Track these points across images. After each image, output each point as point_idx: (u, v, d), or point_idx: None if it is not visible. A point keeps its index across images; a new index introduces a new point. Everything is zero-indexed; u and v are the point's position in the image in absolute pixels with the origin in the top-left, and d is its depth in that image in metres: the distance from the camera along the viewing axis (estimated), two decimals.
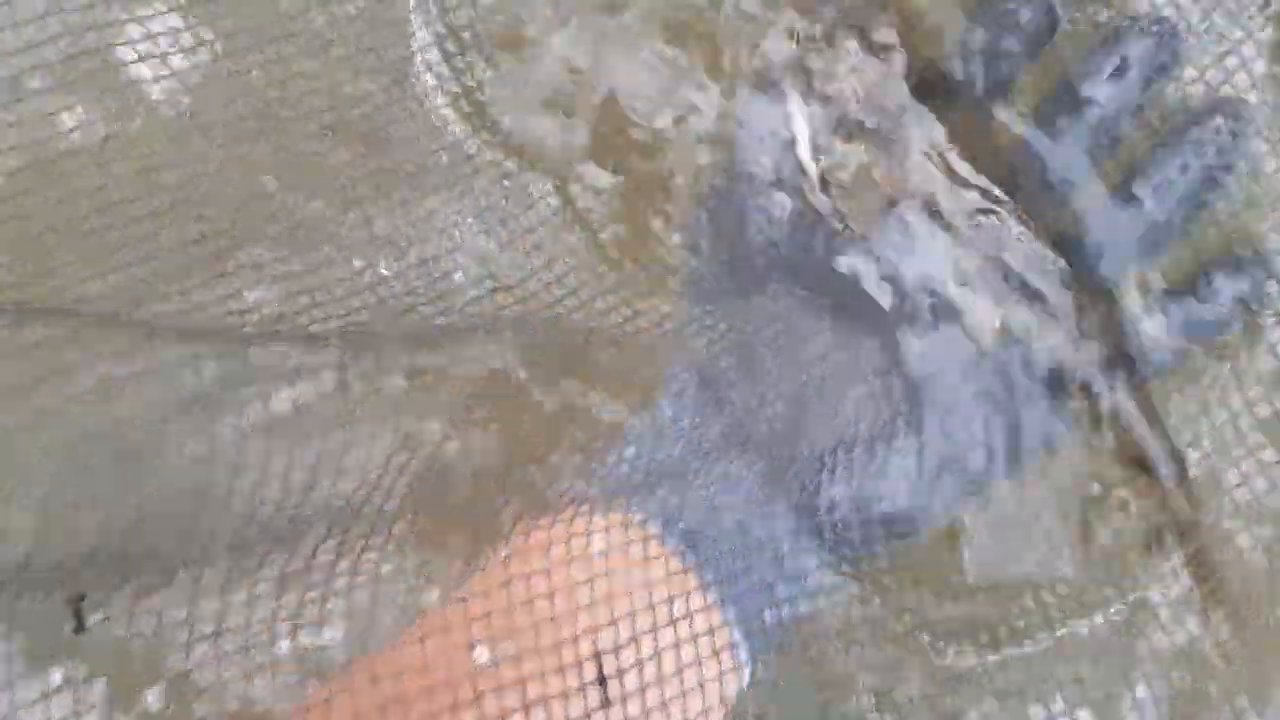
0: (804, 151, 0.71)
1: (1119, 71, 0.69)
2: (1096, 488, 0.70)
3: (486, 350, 0.70)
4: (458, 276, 0.73)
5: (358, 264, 0.73)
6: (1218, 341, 0.69)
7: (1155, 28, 0.69)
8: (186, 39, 0.71)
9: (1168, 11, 0.69)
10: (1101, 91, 0.69)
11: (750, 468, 0.66)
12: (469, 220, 0.74)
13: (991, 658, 0.69)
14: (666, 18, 0.74)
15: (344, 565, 0.64)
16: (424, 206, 0.73)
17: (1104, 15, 0.70)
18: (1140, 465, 0.68)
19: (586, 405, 0.67)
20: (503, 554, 0.61)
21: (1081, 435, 0.70)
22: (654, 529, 0.61)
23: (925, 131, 0.69)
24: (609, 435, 0.66)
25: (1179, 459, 0.68)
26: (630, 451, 0.65)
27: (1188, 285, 0.69)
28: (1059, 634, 0.69)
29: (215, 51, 0.71)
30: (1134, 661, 0.68)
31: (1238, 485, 0.68)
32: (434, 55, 0.74)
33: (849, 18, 0.71)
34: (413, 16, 0.74)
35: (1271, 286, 0.69)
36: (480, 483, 0.66)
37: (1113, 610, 0.69)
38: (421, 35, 0.74)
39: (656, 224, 0.73)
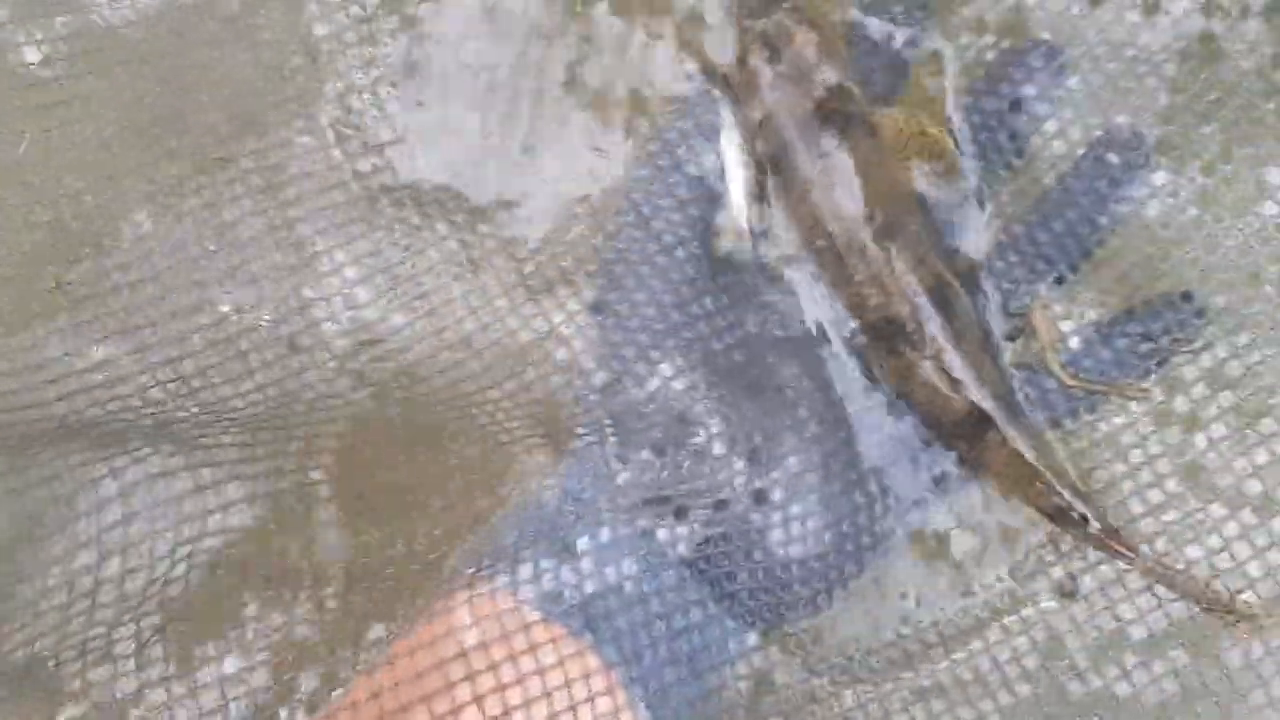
0: (735, 195, 0.71)
1: (1013, 102, 0.69)
2: (1007, 532, 0.69)
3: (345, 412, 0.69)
4: (327, 326, 0.71)
5: (225, 308, 0.70)
6: (1131, 384, 0.68)
7: (1047, 58, 0.69)
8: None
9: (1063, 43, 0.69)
10: (1000, 121, 0.69)
11: (655, 540, 0.65)
12: (350, 270, 0.72)
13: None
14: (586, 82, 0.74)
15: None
16: (310, 249, 0.72)
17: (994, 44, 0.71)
18: (1051, 509, 0.67)
19: (465, 482, 0.66)
20: (389, 654, 0.60)
21: (990, 483, 0.69)
22: (549, 610, 0.60)
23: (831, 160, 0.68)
24: (494, 513, 0.65)
25: (1092, 502, 0.66)
26: (518, 530, 0.64)
27: (1101, 327, 0.69)
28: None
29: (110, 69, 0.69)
30: None
31: (1157, 533, 0.67)
32: (337, 107, 0.73)
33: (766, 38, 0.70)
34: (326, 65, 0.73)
35: (1183, 328, 0.68)
36: (356, 578, 0.65)
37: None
38: (330, 86, 0.73)
39: (561, 290, 0.71)
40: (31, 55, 0.67)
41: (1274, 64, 0.65)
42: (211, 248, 0.70)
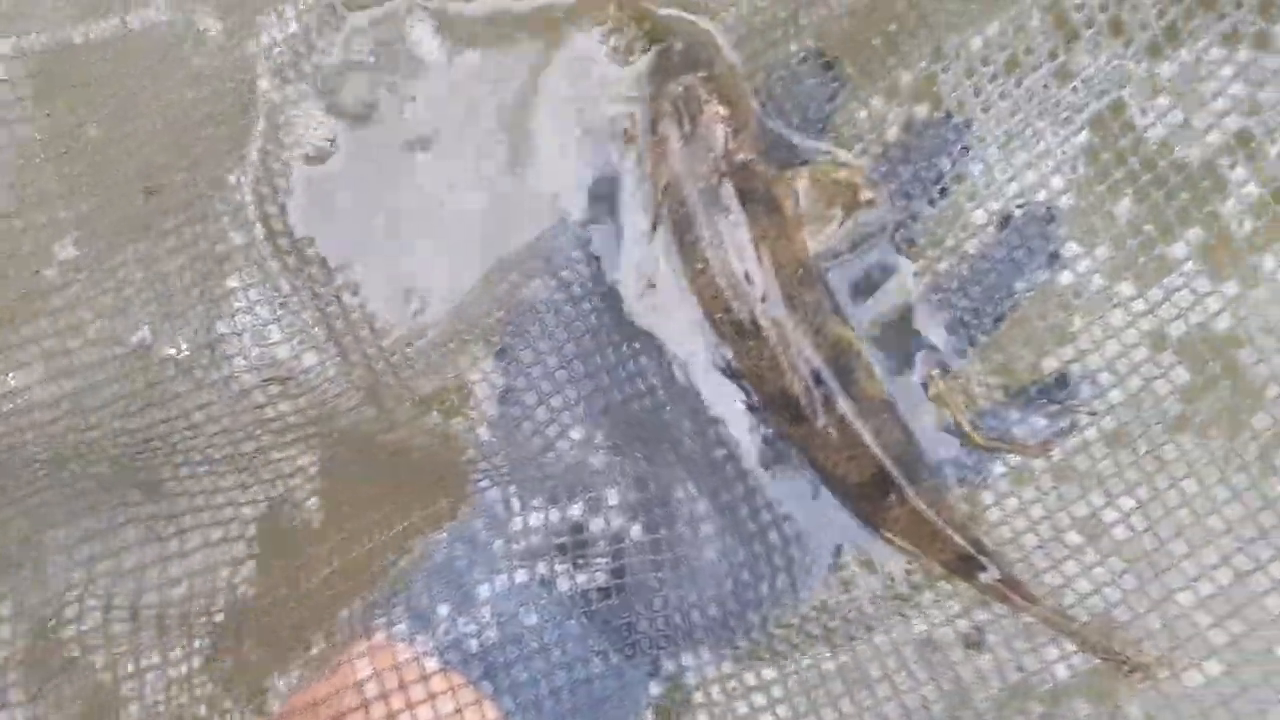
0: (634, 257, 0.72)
1: (929, 173, 0.71)
2: (912, 589, 0.71)
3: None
4: (238, 361, 0.72)
5: (136, 339, 0.71)
6: (1036, 445, 0.70)
7: (959, 131, 0.70)
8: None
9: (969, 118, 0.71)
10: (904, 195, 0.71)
11: (555, 589, 0.64)
12: (260, 307, 0.73)
13: None
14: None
15: None
16: (224, 285, 0.73)
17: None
18: (953, 563, 0.68)
19: (364, 530, 0.67)
20: (288, 706, 0.61)
21: (893, 539, 0.70)
22: (449, 660, 0.60)
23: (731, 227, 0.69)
24: (394, 561, 0.65)
25: (992, 556, 0.68)
26: (417, 578, 0.64)
27: (1009, 390, 0.70)
28: None
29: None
30: None
31: (1059, 586, 0.68)
32: (255, 159, 0.74)
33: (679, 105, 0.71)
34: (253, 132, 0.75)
35: (1086, 390, 0.69)
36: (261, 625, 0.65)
37: None
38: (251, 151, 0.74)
39: (462, 360, 0.72)
40: None
41: (1179, 138, 0.66)
42: (136, 276, 0.71)
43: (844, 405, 0.67)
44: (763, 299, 0.68)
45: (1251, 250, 0.65)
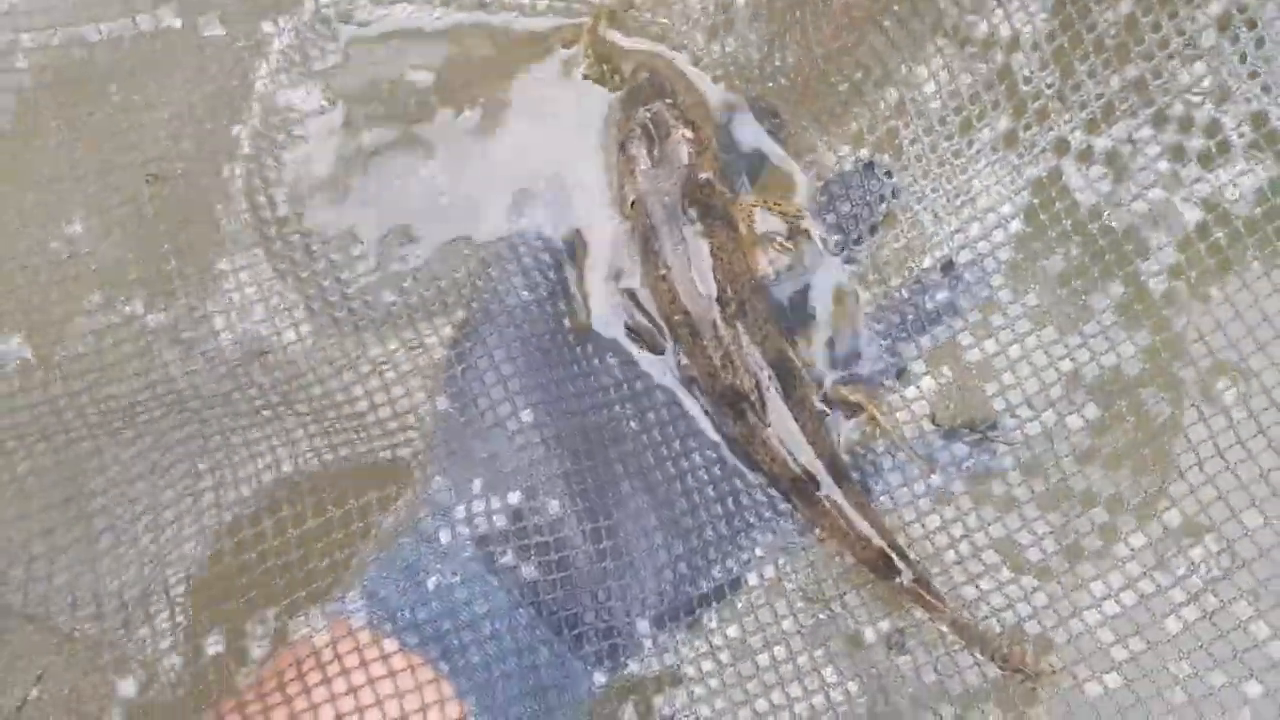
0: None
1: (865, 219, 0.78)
2: (839, 590, 0.75)
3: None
4: (224, 336, 0.75)
5: (129, 309, 0.74)
6: (955, 470, 0.76)
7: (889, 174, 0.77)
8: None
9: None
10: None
11: (504, 580, 0.67)
12: (249, 288, 0.76)
13: None
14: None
15: None
16: (217, 266, 0.76)
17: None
18: (872, 562, 0.72)
19: (323, 517, 0.69)
20: (254, 676, 0.63)
21: (822, 536, 0.75)
22: (407, 641, 0.62)
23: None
24: (353, 547, 0.68)
25: (907, 556, 0.72)
26: (376, 565, 0.66)
27: (933, 420, 0.77)
28: None
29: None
30: None
31: (977, 598, 0.74)
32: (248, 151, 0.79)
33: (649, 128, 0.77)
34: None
35: (1007, 422, 0.75)
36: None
37: None
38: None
39: (425, 326, 0.77)
40: (20, 62, 0.71)
41: (1109, 201, 0.73)
42: (129, 255, 0.74)
43: (784, 406, 0.74)
44: (718, 302, 0.74)
45: (1165, 305, 0.72)
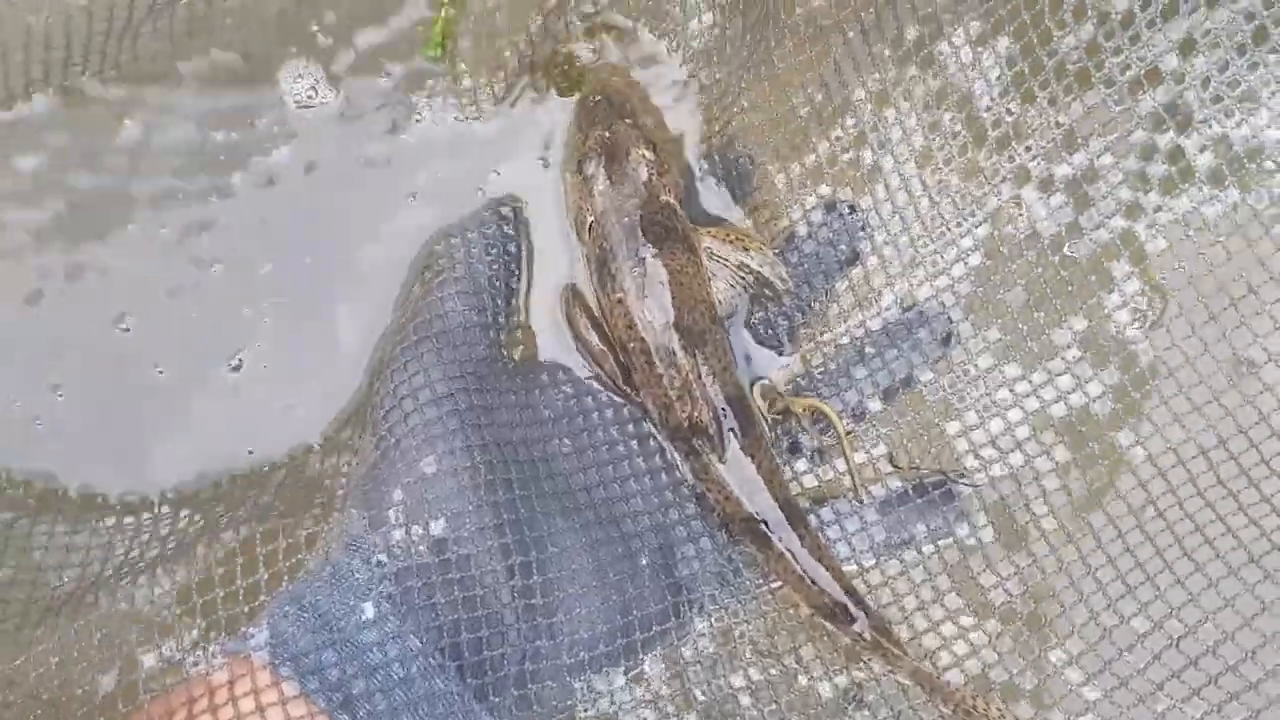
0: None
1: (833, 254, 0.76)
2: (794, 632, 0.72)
3: None
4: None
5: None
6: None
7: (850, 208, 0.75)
8: None
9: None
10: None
11: (418, 627, 0.63)
12: None
13: None
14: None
15: None
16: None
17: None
18: (827, 610, 0.70)
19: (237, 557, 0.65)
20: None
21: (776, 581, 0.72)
22: (308, 686, 0.58)
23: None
24: (262, 585, 0.64)
25: (865, 604, 0.70)
26: (284, 604, 0.61)
27: (891, 460, 0.74)
28: None
29: None
30: None
31: (939, 647, 0.71)
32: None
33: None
34: None
35: (970, 462, 0.73)
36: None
37: None
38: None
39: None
40: None
41: (1069, 233, 0.71)
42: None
43: (739, 444, 0.70)
44: (676, 329, 0.70)
45: (1132, 340, 0.70)
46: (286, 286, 0.77)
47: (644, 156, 0.73)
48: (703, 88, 0.79)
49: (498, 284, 0.74)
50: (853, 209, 0.75)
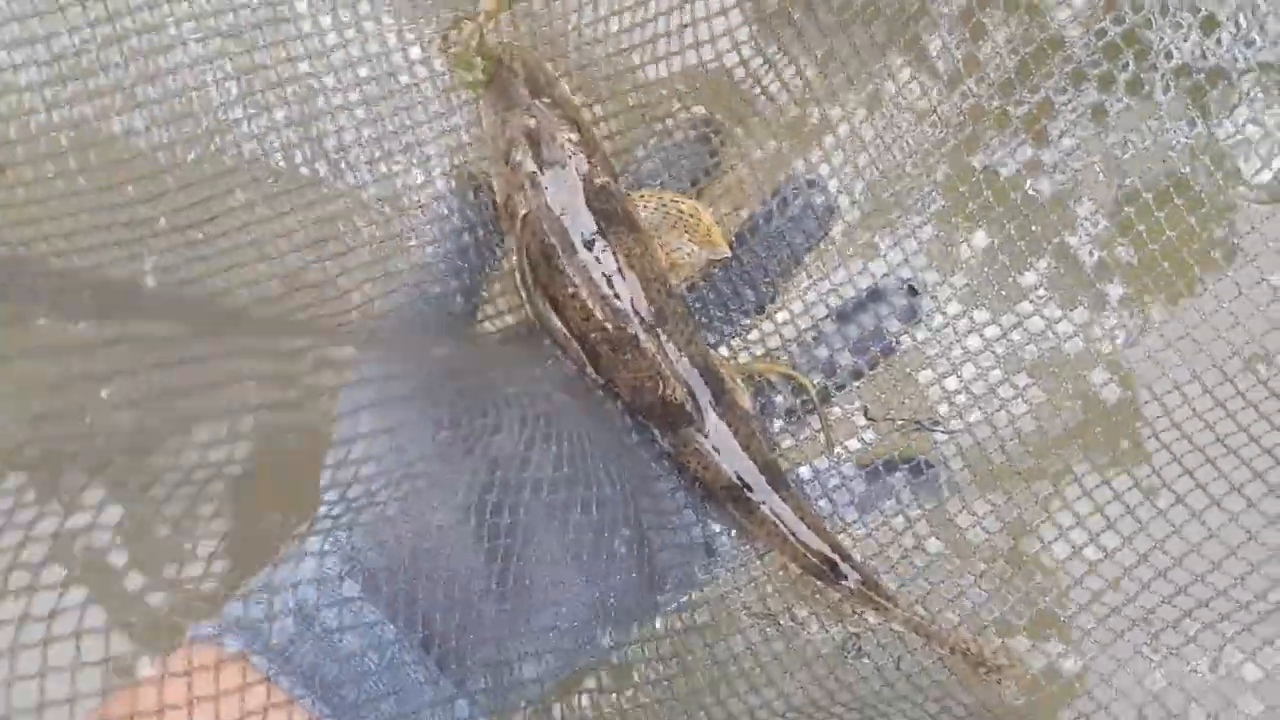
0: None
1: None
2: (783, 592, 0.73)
3: None
4: None
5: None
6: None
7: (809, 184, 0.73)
8: None
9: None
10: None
11: (392, 615, 0.61)
12: None
13: None
14: None
15: None
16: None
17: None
18: (815, 567, 0.70)
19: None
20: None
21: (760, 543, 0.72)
22: (277, 671, 0.57)
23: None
24: (234, 573, 0.62)
25: (852, 559, 0.70)
26: (258, 593, 0.60)
27: (866, 414, 0.74)
28: None
29: None
30: None
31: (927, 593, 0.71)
32: None
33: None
34: None
35: (943, 409, 0.73)
36: None
37: None
38: None
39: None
40: None
41: (1029, 170, 0.69)
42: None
43: (713, 413, 0.70)
44: (635, 312, 0.69)
45: (1099, 279, 0.69)
46: None
47: (570, 140, 0.69)
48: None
49: (461, 265, 0.71)
50: (811, 183, 0.73)
